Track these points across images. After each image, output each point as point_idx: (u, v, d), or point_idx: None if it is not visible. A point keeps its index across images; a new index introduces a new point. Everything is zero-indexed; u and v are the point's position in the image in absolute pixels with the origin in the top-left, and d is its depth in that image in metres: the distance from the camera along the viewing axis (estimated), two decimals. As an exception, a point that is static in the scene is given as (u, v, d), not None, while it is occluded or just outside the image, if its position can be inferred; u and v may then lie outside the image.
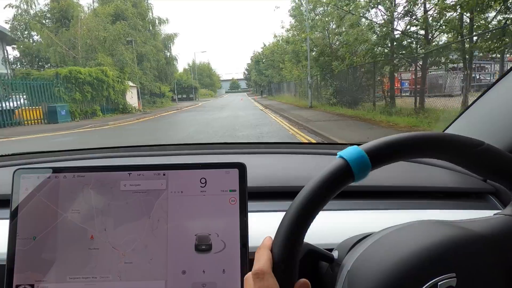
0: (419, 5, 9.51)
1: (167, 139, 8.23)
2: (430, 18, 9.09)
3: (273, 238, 0.40)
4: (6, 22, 19.97)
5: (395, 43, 10.48)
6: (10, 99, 12.60)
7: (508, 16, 7.52)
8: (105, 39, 18.07)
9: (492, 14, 7.96)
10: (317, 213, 0.37)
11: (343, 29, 12.83)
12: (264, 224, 0.61)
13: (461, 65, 8.65)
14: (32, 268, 0.48)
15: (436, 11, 8.70)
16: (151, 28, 26.89)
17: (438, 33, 9.41)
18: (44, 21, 19.70)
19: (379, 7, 10.73)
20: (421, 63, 9.50)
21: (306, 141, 7.17)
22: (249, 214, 0.49)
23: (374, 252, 0.42)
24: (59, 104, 13.93)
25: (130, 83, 21.06)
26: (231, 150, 1.11)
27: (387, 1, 10.64)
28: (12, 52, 20.07)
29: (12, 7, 18.92)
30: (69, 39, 18.34)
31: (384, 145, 0.39)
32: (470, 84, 8.52)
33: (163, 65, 27.22)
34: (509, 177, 0.42)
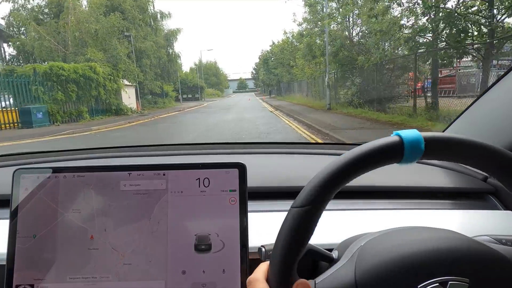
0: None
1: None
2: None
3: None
4: (2, 18, 19.59)
5: (452, 29, 7.69)
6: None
7: None
8: (96, 32, 15.61)
9: None
10: (347, 180, 0.39)
11: (373, 18, 10.03)
12: (264, 224, 0.63)
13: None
14: (32, 268, 0.49)
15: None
16: (152, 22, 24.30)
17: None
18: (41, 17, 17.34)
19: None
20: (483, 53, 6.74)
21: (308, 141, 6.76)
22: (249, 214, 0.51)
23: (380, 244, 0.44)
24: (35, 105, 12.82)
25: (126, 82, 18.45)
26: (231, 150, 1.11)
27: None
28: (8, 49, 19.60)
29: (9, 1, 17.77)
30: (59, 33, 15.88)
31: (445, 140, 0.39)
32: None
33: (165, 62, 24.74)
34: None
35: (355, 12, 14.09)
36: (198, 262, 0.50)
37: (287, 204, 0.42)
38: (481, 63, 7.82)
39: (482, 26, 7.83)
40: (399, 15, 9.70)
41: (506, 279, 0.40)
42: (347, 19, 15.56)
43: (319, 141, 7.24)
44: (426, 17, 9.20)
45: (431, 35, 9.17)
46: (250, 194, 0.53)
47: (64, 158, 0.99)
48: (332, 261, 0.48)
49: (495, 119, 0.79)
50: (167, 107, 28.02)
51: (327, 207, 0.40)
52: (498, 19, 7.52)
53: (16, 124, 12.11)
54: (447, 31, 8.42)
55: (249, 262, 0.50)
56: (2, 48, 18.43)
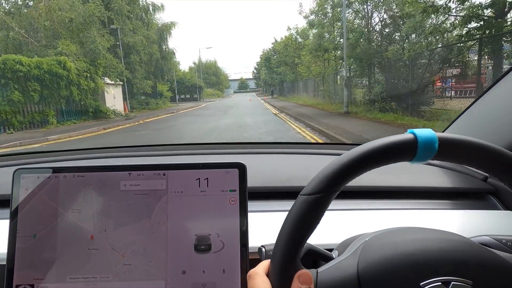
0: None
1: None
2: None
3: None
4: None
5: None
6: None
7: None
8: (71, 22, 12.74)
9: None
10: (357, 174, 0.41)
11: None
12: (264, 224, 0.66)
13: None
14: (32, 268, 0.51)
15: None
16: (143, 15, 21.36)
17: None
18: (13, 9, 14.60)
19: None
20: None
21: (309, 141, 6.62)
22: (249, 214, 0.53)
23: (384, 241, 0.47)
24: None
25: (108, 80, 15.44)
26: (231, 150, 1.13)
27: None
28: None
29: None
30: (30, 23, 13.02)
31: (461, 142, 0.41)
32: None
33: (158, 59, 21.81)
34: None
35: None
36: (198, 262, 0.52)
37: (287, 204, 0.45)
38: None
39: None
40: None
41: (509, 286, 0.41)
42: (366, 5, 12.65)
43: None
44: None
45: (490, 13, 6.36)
46: (250, 194, 0.55)
47: (64, 158, 1.01)
48: None
49: (495, 119, 0.81)
50: (161, 108, 25.46)
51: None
52: None
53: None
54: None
55: (249, 262, 0.51)
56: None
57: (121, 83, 20.31)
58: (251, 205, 0.55)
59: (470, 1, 7.38)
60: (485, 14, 7.33)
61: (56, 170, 0.53)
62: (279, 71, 36.98)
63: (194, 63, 59.48)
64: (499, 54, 7.08)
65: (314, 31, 19.41)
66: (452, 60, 8.45)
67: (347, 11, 13.06)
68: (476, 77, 7.83)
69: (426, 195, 0.80)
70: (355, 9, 13.61)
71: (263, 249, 0.51)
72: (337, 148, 1.15)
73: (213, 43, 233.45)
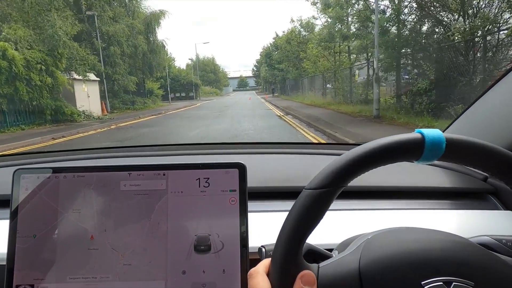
0: None
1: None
2: None
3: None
4: None
5: None
6: None
7: None
8: (23, 1, 9.51)
9: None
10: (363, 170, 0.41)
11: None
12: (264, 224, 0.66)
13: None
14: (32, 268, 0.51)
15: None
16: (127, 1, 17.91)
17: None
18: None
19: None
20: None
21: (309, 141, 6.40)
22: (249, 214, 0.53)
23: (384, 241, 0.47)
24: None
25: (75, 76, 12.00)
26: (231, 150, 1.12)
27: None
28: None
29: None
30: None
31: (468, 144, 0.40)
32: None
33: (145, 53, 18.40)
34: None
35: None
36: (198, 262, 0.51)
37: (287, 204, 0.45)
38: None
39: None
40: None
41: None
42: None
43: None
44: None
45: None
46: (250, 194, 0.54)
47: (64, 158, 1.00)
48: None
49: (495, 119, 0.81)
50: (149, 108, 22.12)
51: None
52: None
53: None
54: None
55: (249, 262, 0.51)
56: None
57: (97, 79, 17.09)
58: (251, 205, 0.55)
59: None
60: None
61: (56, 170, 0.53)
62: (281, 68, 33.88)
63: (191, 60, 56.26)
64: None
65: (323, 19, 16.26)
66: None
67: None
68: None
69: (426, 195, 0.80)
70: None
71: (263, 249, 0.51)
72: (337, 148, 1.15)
73: (212, 42, 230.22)
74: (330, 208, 0.41)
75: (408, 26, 10.32)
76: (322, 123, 9.33)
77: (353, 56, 16.60)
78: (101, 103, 17.71)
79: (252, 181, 0.57)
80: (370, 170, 0.41)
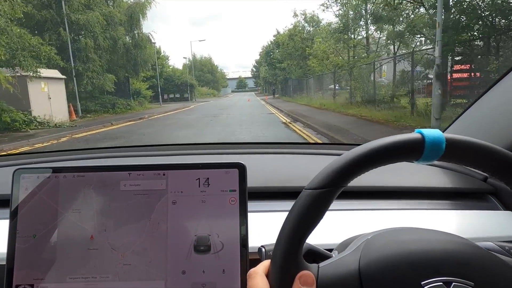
0: None
1: None
2: None
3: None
4: None
5: None
6: None
7: None
8: None
9: None
10: (363, 170, 0.41)
11: None
12: (264, 224, 0.66)
13: None
14: (32, 268, 0.50)
15: None
16: None
17: None
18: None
19: None
20: None
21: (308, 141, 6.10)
22: (249, 214, 0.53)
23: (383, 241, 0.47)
24: None
25: (20, 72, 8.41)
26: (231, 150, 1.12)
27: None
28: None
29: None
30: None
31: (468, 144, 0.40)
32: None
33: (128, 48, 15.17)
34: None
35: None
36: (198, 262, 0.51)
37: (287, 204, 0.45)
38: None
39: None
40: None
41: None
42: None
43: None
44: None
45: None
46: (250, 194, 0.54)
47: (64, 158, 0.99)
48: None
49: (495, 119, 0.80)
50: (134, 111, 18.94)
51: None
52: None
53: None
54: None
55: (249, 262, 0.51)
56: None
57: (63, 77, 13.94)
58: (251, 205, 0.55)
59: None
60: None
61: (56, 170, 0.52)
62: (283, 67, 30.80)
63: (188, 59, 52.98)
64: None
65: (336, 7, 13.36)
66: None
67: None
68: None
69: (426, 195, 0.80)
70: None
71: (263, 249, 0.51)
72: (337, 148, 1.14)
73: (211, 43, 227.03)
74: (330, 208, 0.41)
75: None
76: (353, 137, 6.25)
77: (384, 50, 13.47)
78: (69, 106, 14.58)
79: (252, 181, 0.57)
80: (370, 170, 0.41)
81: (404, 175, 0.85)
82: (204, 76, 59.32)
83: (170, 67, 40.77)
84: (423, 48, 10.82)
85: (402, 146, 0.39)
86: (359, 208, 0.73)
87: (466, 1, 7.25)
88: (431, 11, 8.38)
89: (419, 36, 10.50)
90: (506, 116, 0.77)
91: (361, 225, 0.65)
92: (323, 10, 20.42)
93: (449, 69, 7.83)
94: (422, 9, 9.35)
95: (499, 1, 6.43)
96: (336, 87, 18.20)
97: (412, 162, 0.41)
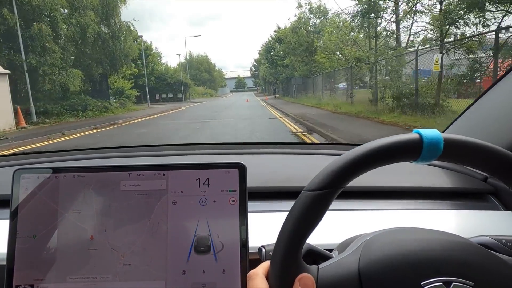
0: None
1: None
2: None
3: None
4: None
5: None
6: None
7: None
8: None
9: None
10: (362, 171, 0.41)
11: None
12: (264, 224, 0.65)
13: None
14: (32, 268, 0.50)
15: None
16: None
17: None
18: None
19: None
20: None
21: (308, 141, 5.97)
22: (249, 214, 0.53)
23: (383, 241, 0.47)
24: None
25: None
26: (231, 150, 1.11)
27: None
28: None
29: None
30: None
31: (466, 144, 0.40)
32: None
33: (104, 38, 11.76)
34: None
35: None
36: (198, 262, 0.51)
37: (287, 204, 0.45)
38: None
39: None
40: None
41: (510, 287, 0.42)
42: None
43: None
44: None
45: None
46: (250, 194, 0.54)
47: (64, 158, 0.98)
48: None
49: (495, 119, 0.79)
50: (112, 114, 15.75)
51: None
52: None
53: None
54: None
55: (249, 262, 0.51)
56: None
57: (7, 72, 10.67)
58: (251, 205, 0.55)
59: None
60: None
61: (56, 170, 0.52)
62: (286, 63, 27.53)
63: (184, 58, 49.62)
64: None
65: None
66: None
67: None
68: None
69: (426, 195, 0.79)
70: None
71: (263, 249, 0.51)
72: (337, 148, 1.13)
73: (210, 43, 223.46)
74: (330, 208, 0.41)
75: None
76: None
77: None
78: (17, 110, 11.34)
79: (252, 181, 0.56)
80: (370, 170, 0.41)
81: (404, 175, 0.85)
82: (200, 75, 56.29)
83: (163, 65, 37.50)
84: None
85: (400, 146, 0.39)
86: (359, 208, 0.72)
87: None
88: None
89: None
90: (507, 116, 0.77)
91: (361, 225, 0.65)
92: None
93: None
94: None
95: None
96: (343, 86, 15.22)
97: (411, 162, 0.41)
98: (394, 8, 11.03)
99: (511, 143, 0.74)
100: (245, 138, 8.27)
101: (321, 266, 0.43)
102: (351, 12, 12.23)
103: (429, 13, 10.09)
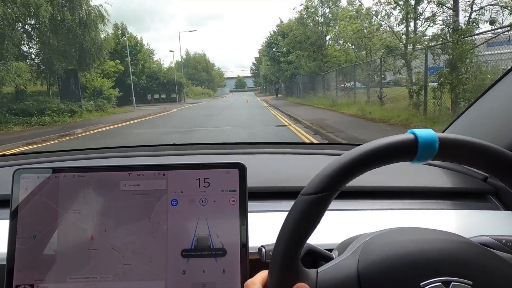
0: None
1: None
2: None
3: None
4: None
5: None
6: None
7: None
8: None
9: None
10: (358, 173, 0.40)
11: None
12: (264, 224, 0.65)
13: None
14: (32, 268, 0.51)
15: None
16: None
17: None
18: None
19: None
20: None
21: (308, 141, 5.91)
22: (249, 214, 0.53)
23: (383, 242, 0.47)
24: None
25: None
26: (231, 150, 1.09)
27: None
28: None
29: None
30: None
31: (461, 143, 0.40)
32: None
33: (69, 25, 8.11)
34: None
35: None
36: (198, 262, 0.51)
37: (287, 204, 0.45)
38: None
39: None
40: None
41: (509, 287, 0.41)
42: None
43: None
44: None
45: None
46: (250, 194, 0.54)
47: (64, 158, 0.97)
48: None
49: (495, 119, 0.79)
50: (80, 119, 12.33)
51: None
52: None
53: None
54: None
55: (249, 262, 0.51)
56: None
57: None
58: (251, 205, 0.55)
59: None
60: None
61: (56, 170, 0.53)
62: (290, 60, 24.15)
63: (180, 56, 46.28)
64: None
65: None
66: None
67: None
68: None
69: (426, 195, 0.79)
70: None
71: (263, 249, 0.50)
72: (337, 148, 1.12)
73: (209, 43, 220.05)
74: (330, 208, 0.40)
75: None
76: None
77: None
78: None
79: (252, 181, 0.56)
80: (370, 171, 0.42)
81: (404, 175, 0.85)
82: (198, 75, 53.35)
83: (155, 62, 34.17)
84: None
85: (395, 147, 0.39)
86: (359, 208, 0.73)
87: None
88: None
89: None
90: (506, 116, 0.77)
91: (361, 225, 0.65)
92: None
93: None
94: None
95: None
96: (351, 84, 13.05)
97: (407, 162, 0.41)
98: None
99: (511, 143, 0.74)
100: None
101: (320, 269, 0.43)
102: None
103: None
